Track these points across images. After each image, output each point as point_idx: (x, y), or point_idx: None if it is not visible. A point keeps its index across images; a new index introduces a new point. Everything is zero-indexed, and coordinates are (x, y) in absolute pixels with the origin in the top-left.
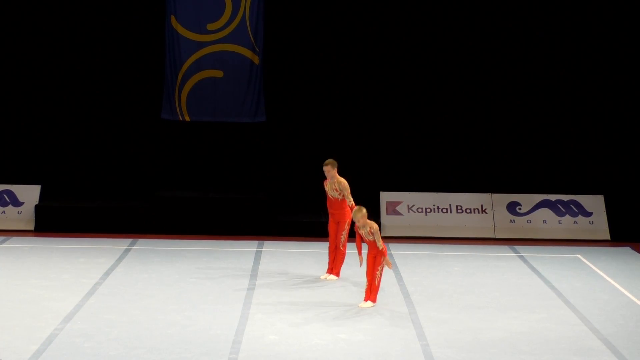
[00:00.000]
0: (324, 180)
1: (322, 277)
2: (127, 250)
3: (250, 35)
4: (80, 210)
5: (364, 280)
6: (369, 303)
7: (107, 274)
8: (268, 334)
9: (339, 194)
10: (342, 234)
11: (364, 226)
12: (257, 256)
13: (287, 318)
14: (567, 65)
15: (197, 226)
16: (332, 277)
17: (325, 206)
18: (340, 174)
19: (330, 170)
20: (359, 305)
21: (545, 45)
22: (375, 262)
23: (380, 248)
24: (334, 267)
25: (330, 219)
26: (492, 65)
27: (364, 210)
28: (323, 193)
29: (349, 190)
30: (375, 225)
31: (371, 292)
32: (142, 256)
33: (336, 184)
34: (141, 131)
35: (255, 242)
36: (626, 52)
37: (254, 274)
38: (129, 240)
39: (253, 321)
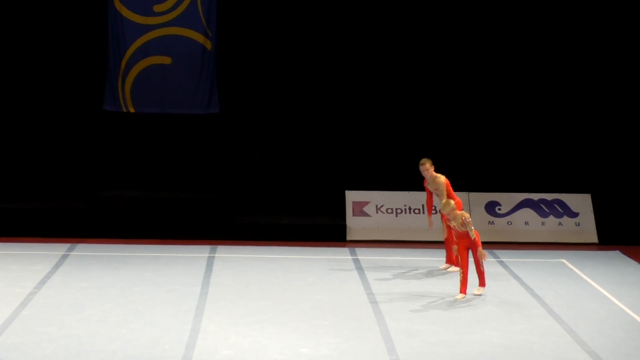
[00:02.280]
0: (423, 180)
1: (441, 268)
2: (65, 256)
3: (202, 17)
4: (13, 212)
5: (332, 288)
6: (461, 295)
7: (42, 282)
8: (222, 349)
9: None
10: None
11: (455, 218)
12: (210, 262)
13: (243, 331)
14: (550, 60)
15: (144, 229)
16: (453, 267)
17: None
18: (302, 171)
19: (429, 169)
20: (455, 297)
21: (527, 42)
22: (468, 254)
23: (473, 238)
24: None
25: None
26: (466, 60)
27: (452, 202)
28: (283, 192)
29: (445, 188)
30: (467, 215)
31: (462, 284)
32: (82, 263)
33: (435, 183)
34: (81, 124)
35: (208, 247)
36: (610, 49)
37: (206, 282)
38: (67, 245)
39: (205, 335)
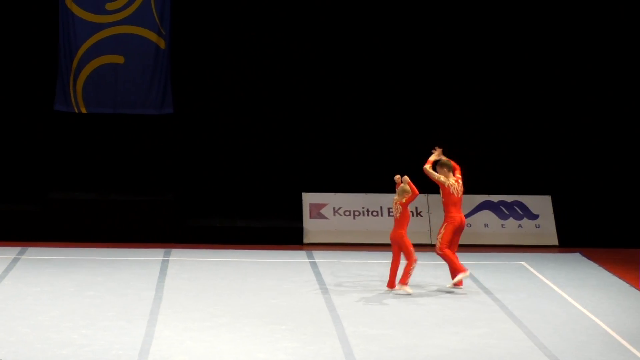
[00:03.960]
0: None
1: (448, 286)
2: (15, 260)
3: (156, 15)
4: None
5: (289, 292)
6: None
7: None
8: (177, 355)
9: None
10: (437, 237)
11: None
12: (164, 266)
13: (198, 336)
14: (509, 63)
15: (96, 232)
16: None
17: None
18: (258, 172)
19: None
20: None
21: (487, 46)
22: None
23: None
24: (452, 271)
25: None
26: (423, 61)
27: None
28: (239, 194)
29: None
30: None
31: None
32: (32, 266)
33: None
34: (32, 125)
35: (162, 250)
36: (568, 55)
37: (160, 287)
38: (18, 249)
39: (159, 340)
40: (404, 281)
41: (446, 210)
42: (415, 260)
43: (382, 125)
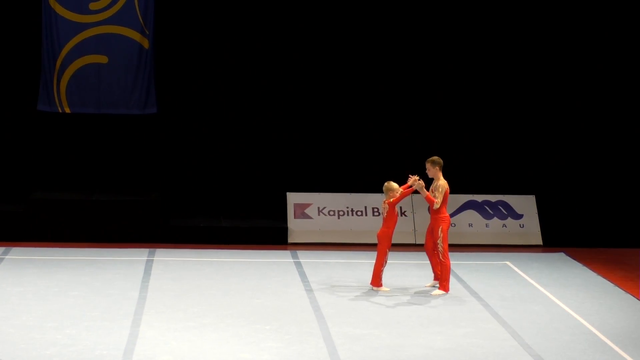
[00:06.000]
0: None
1: (427, 285)
2: None
3: (139, 15)
4: None
5: (273, 291)
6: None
7: None
8: (161, 355)
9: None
10: (438, 243)
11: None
12: (148, 266)
13: (182, 336)
14: (491, 62)
15: (80, 232)
16: (438, 291)
17: None
18: (242, 172)
19: (431, 169)
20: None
21: (465, 45)
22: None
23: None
24: (440, 280)
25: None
26: (405, 60)
27: (394, 185)
28: (223, 194)
29: (443, 194)
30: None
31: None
32: (16, 267)
33: (434, 185)
34: (15, 125)
35: (146, 250)
36: (550, 54)
37: (144, 287)
38: (1, 249)
39: (144, 340)
40: (375, 283)
41: (438, 211)
42: (386, 262)
43: (366, 125)
